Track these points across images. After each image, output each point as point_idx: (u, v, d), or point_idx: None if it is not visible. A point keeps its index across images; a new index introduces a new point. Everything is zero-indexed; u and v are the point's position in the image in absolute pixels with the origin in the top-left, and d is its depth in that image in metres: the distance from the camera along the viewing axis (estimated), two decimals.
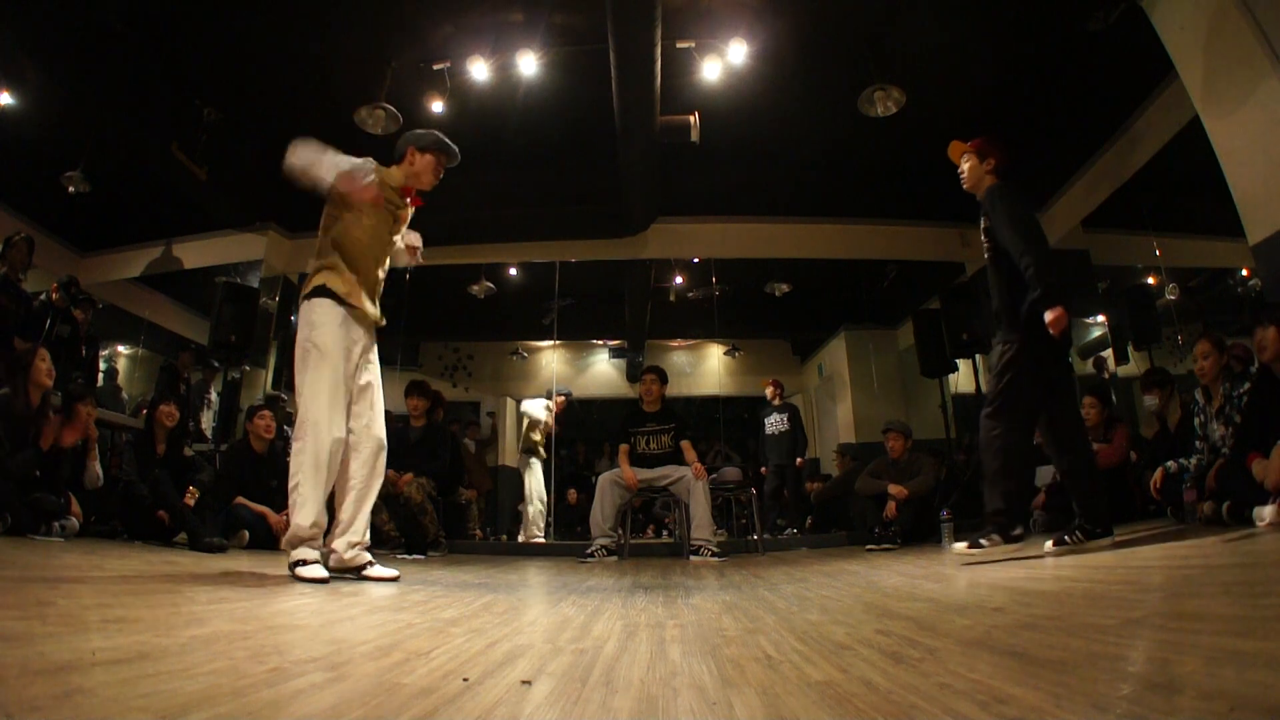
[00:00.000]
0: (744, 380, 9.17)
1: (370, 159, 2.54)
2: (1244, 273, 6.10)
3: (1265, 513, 2.56)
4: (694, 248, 7.31)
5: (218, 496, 4.19)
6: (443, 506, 4.94)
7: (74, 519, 3.53)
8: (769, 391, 6.99)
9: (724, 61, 4.81)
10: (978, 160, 2.92)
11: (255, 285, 6.42)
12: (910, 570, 2.67)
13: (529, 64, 4.80)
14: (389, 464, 4.46)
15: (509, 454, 8.40)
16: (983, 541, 2.66)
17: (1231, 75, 3.43)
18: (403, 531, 4.43)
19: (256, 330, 6.18)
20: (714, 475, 5.01)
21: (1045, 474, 4.34)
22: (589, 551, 4.40)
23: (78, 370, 5.15)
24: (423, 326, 8.33)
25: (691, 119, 5.12)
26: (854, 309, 8.39)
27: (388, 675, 0.92)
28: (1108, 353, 6.50)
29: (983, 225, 2.88)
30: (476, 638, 1.26)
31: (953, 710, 0.71)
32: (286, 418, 4.94)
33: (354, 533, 2.50)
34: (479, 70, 4.84)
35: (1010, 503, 2.69)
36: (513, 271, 7.82)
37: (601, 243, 6.96)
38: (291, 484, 2.33)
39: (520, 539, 6.69)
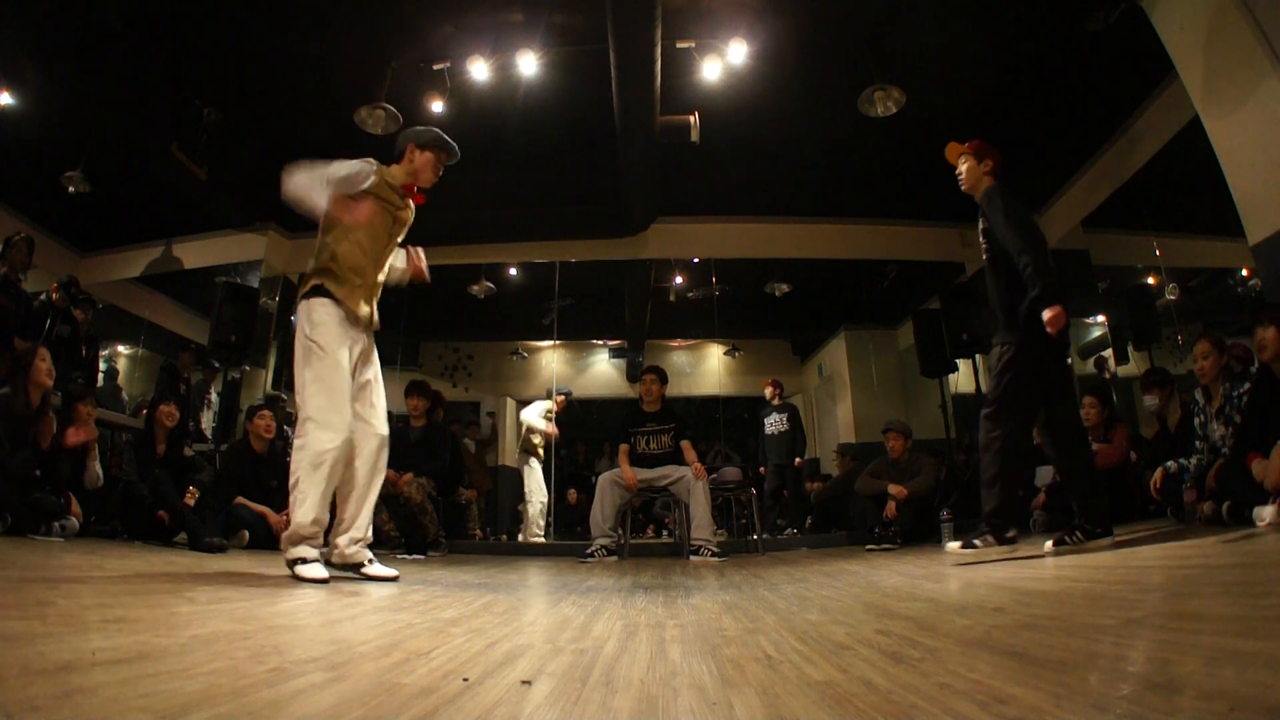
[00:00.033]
0: (744, 380, 9.17)
1: (370, 160, 2.54)
2: (1244, 273, 6.09)
3: (1265, 513, 2.56)
4: (694, 248, 7.31)
5: (218, 496, 4.19)
6: (443, 506, 4.94)
7: (74, 519, 3.53)
8: (768, 392, 6.99)
9: (724, 61, 4.81)
10: (975, 161, 2.93)
11: (255, 285, 6.42)
12: (910, 570, 2.67)
13: (529, 64, 4.80)
14: (389, 464, 4.49)
15: (509, 454, 8.41)
16: (976, 542, 2.67)
17: (1231, 75, 3.43)
18: (403, 531, 4.43)
19: (256, 330, 6.18)
20: (714, 475, 5.01)
21: (1045, 474, 4.34)
22: (589, 551, 4.40)
23: (78, 370, 5.15)
24: (423, 326, 8.34)
25: (691, 119, 5.12)
26: (854, 309, 8.39)
27: (388, 675, 0.92)
28: (1108, 352, 6.50)
29: (981, 226, 2.89)
30: (476, 638, 1.26)
31: (953, 710, 0.71)
32: (286, 418, 4.94)
33: (356, 529, 2.51)
34: (479, 70, 4.84)
35: (1006, 505, 2.69)
36: (513, 271, 7.82)
37: (601, 243, 6.96)
38: (292, 481, 2.32)
39: (520, 539, 6.69)
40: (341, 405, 2.38)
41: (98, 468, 3.96)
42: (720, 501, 5.39)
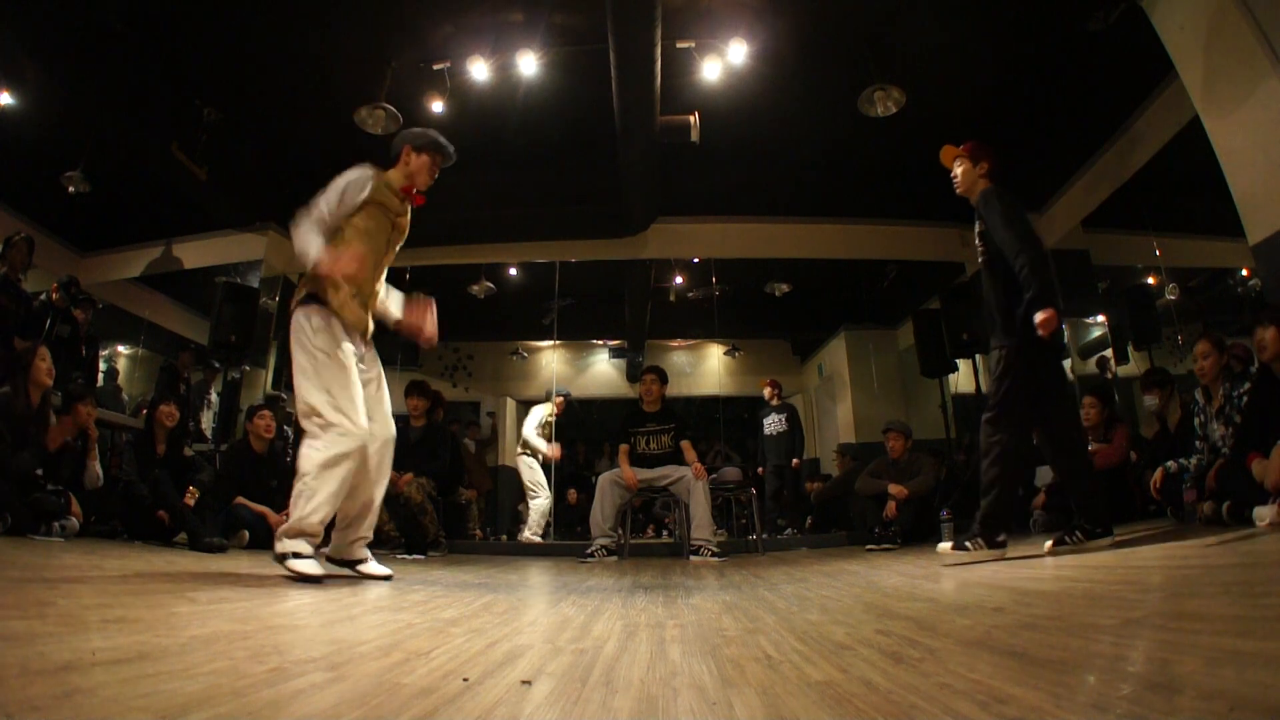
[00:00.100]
0: (744, 380, 9.17)
1: (367, 167, 2.52)
2: (1244, 273, 6.09)
3: (1265, 513, 2.57)
4: (694, 248, 7.31)
5: (218, 496, 4.19)
6: (443, 506, 4.94)
7: (74, 519, 3.53)
8: (767, 392, 6.99)
9: (724, 61, 4.81)
10: (970, 164, 2.93)
11: (255, 285, 6.42)
12: (910, 570, 2.67)
13: (529, 64, 4.80)
14: None
15: (509, 454, 8.40)
16: (968, 544, 2.68)
17: (1231, 75, 3.43)
18: (403, 531, 4.43)
19: (256, 330, 6.18)
20: (714, 475, 5.01)
21: (1045, 474, 4.34)
22: (589, 551, 4.40)
23: (78, 370, 5.15)
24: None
25: (691, 119, 5.12)
26: (854, 309, 8.39)
27: (388, 675, 0.92)
28: (1108, 352, 6.50)
29: (977, 229, 2.89)
30: (476, 638, 1.26)
31: (953, 710, 0.71)
32: (286, 418, 4.94)
33: (358, 528, 2.52)
34: (479, 70, 4.84)
35: (1001, 511, 2.70)
36: (513, 271, 7.82)
37: (601, 243, 6.96)
38: (300, 479, 2.28)
39: (522, 538, 6.68)
40: (356, 409, 2.36)
41: (98, 468, 3.96)
42: (720, 501, 5.40)
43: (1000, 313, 2.76)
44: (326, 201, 2.44)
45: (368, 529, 2.55)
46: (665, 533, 7.42)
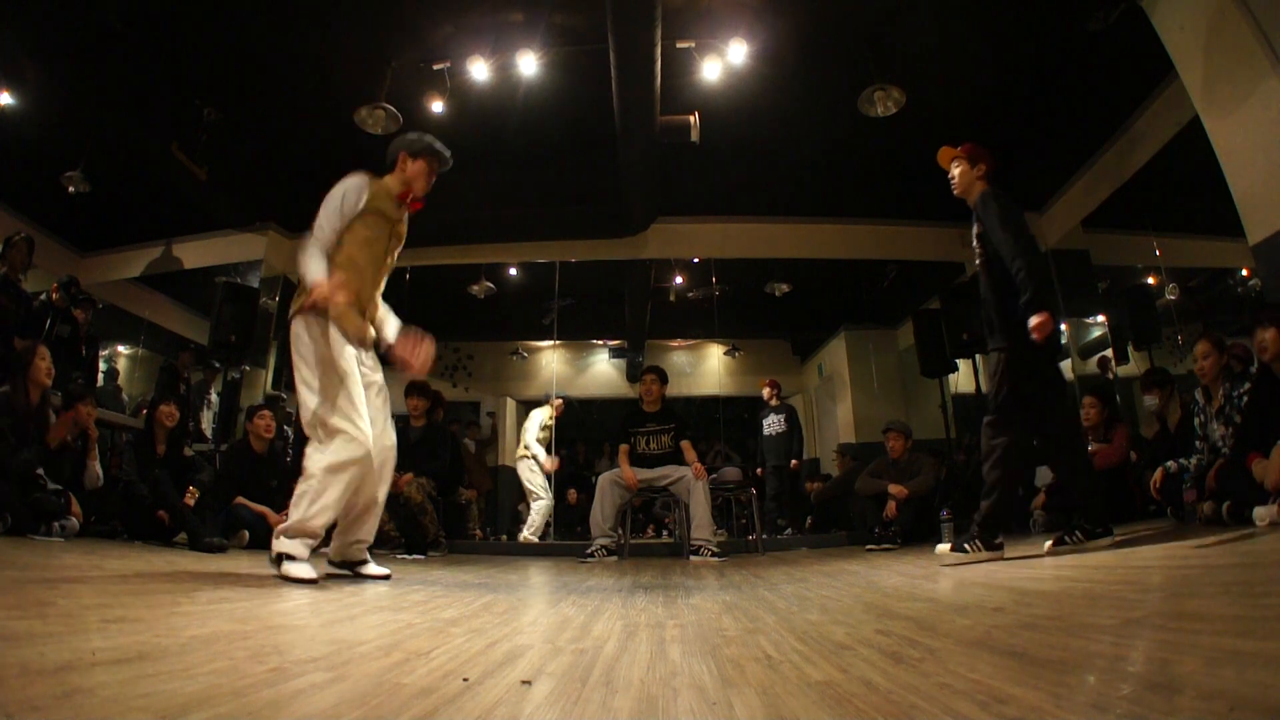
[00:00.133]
0: (744, 380, 9.17)
1: (361, 174, 2.51)
2: (1244, 273, 6.10)
3: (1265, 513, 2.57)
4: (694, 248, 7.31)
5: (218, 496, 4.19)
6: (443, 506, 4.94)
7: (74, 519, 3.53)
8: (766, 392, 6.98)
9: (724, 61, 4.81)
10: (968, 165, 2.93)
11: (255, 285, 6.42)
12: (910, 570, 2.67)
13: (529, 64, 4.80)
14: None
15: (509, 454, 8.40)
16: (966, 546, 2.68)
17: (1231, 75, 3.43)
18: (403, 531, 4.43)
19: (256, 330, 6.18)
20: (714, 475, 5.01)
21: (1045, 474, 4.34)
22: (589, 551, 4.40)
23: (78, 370, 5.14)
24: (423, 326, 8.22)
25: (691, 119, 5.12)
26: (854, 309, 8.38)
27: (388, 675, 0.92)
28: (1108, 352, 6.50)
29: (975, 231, 2.89)
30: (476, 638, 1.26)
31: (953, 710, 0.71)
32: (286, 418, 4.95)
33: (360, 532, 2.52)
34: (479, 70, 4.84)
35: (1001, 515, 2.71)
36: (513, 271, 7.82)
37: (601, 243, 6.96)
38: (304, 481, 2.28)
39: (521, 538, 6.68)
40: (361, 415, 2.35)
41: (98, 468, 3.96)
42: (720, 501, 5.40)
43: (998, 315, 2.77)
44: (327, 219, 2.43)
45: (368, 533, 2.55)
46: (665, 533, 7.42)
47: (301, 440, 2.49)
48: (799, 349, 9.66)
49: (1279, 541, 2.22)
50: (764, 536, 5.29)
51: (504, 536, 7.28)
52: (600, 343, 9.62)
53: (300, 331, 2.40)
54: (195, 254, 6.95)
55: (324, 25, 4.64)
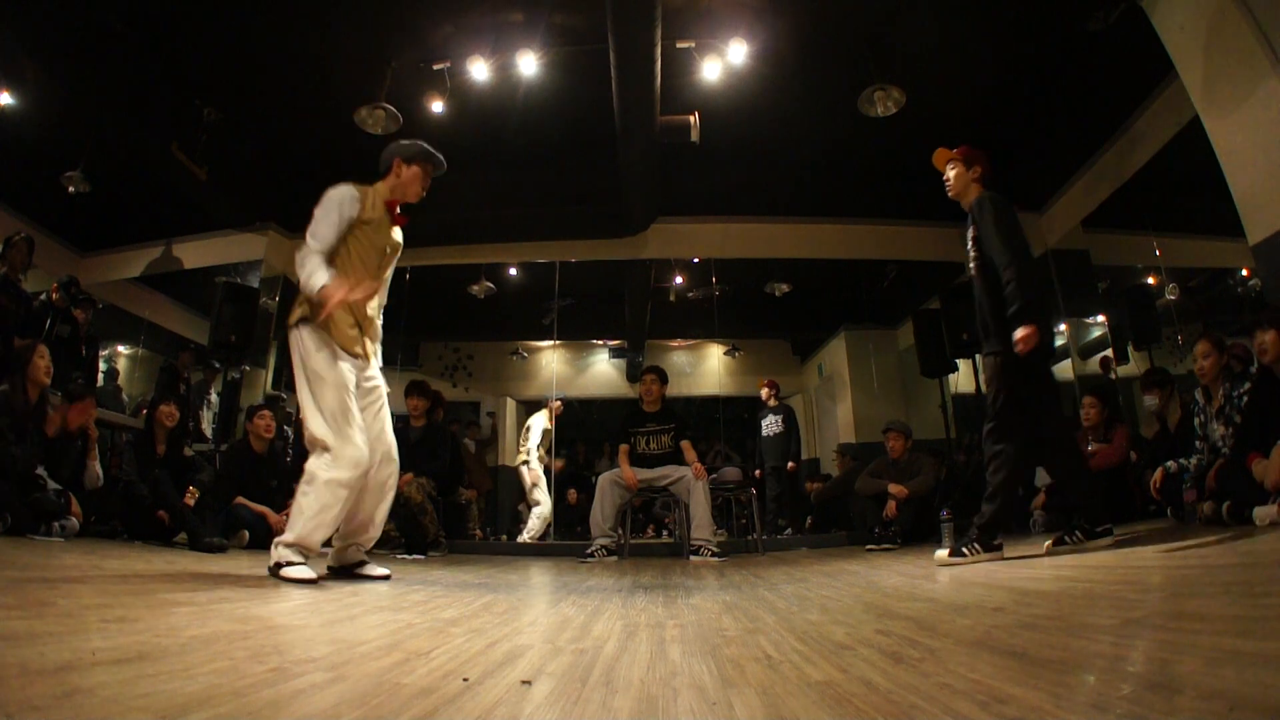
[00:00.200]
0: (744, 380, 9.17)
1: (349, 185, 2.49)
2: (1244, 273, 6.09)
3: (1265, 513, 2.57)
4: (694, 248, 7.31)
5: (218, 496, 4.19)
6: (443, 506, 4.94)
7: (74, 519, 3.53)
8: (764, 393, 6.98)
9: (724, 61, 4.81)
10: (963, 168, 2.93)
11: (255, 285, 6.42)
12: (910, 570, 2.67)
13: (529, 64, 4.80)
14: None
15: (509, 454, 8.41)
16: (964, 550, 2.68)
17: (1231, 75, 3.43)
18: (403, 531, 4.43)
19: (256, 330, 6.18)
20: (714, 475, 5.01)
21: (1045, 474, 4.34)
22: (589, 551, 4.40)
23: (78, 370, 5.14)
24: (423, 326, 8.33)
25: (691, 119, 5.12)
26: (854, 309, 8.38)
27: (388, 675, 0.92)
28: (1109, 352, 6.50)
29: (970, 235, 2.88)
30: (476, 638, 1.26)
31: (953, 710, 0.71)
32: (286, 418, 4.95)
33: (360, 538, 2.53)
34: (479, 70, 4.84)
35: (1000, 519, 2.71)
36: (513, 271, 7.82)
37: (601, 243, 6.96)
38: (304, 483, 2.29)
39: (521, 539, 6.69)
40: (356, 430, 2.34)
41: (98, 468, 3.97)
42: (720, 501, 5.39)
43: (993, 319, 2.76)
44: (324, 227, 2.42)
45: (368, 541, 2.56)
46: (665, 533, 7.42)
47: (302, 441, 2.49)
48: (799, 349, 9.66)
49: (1279, 541, 2.22)
50: (764, 536, 5.29)
51: (504, 536, 7.28)
52: (600, 343, 9.62)
53: (295, 343, 2.40)
54: (195, 254, 6.95)
55: (324, 25, 4.64)
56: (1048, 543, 2.71)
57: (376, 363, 2.61)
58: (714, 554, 4.26)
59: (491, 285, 7.78)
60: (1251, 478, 2.72)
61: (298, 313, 2.43)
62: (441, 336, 9.13)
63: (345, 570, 2.54)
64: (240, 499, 4.18)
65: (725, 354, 9.37)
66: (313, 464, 2.31)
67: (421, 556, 4.26)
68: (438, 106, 5.06)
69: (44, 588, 1.64)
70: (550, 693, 0.85)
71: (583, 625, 1.46)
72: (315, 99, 5.26)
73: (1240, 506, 2.74)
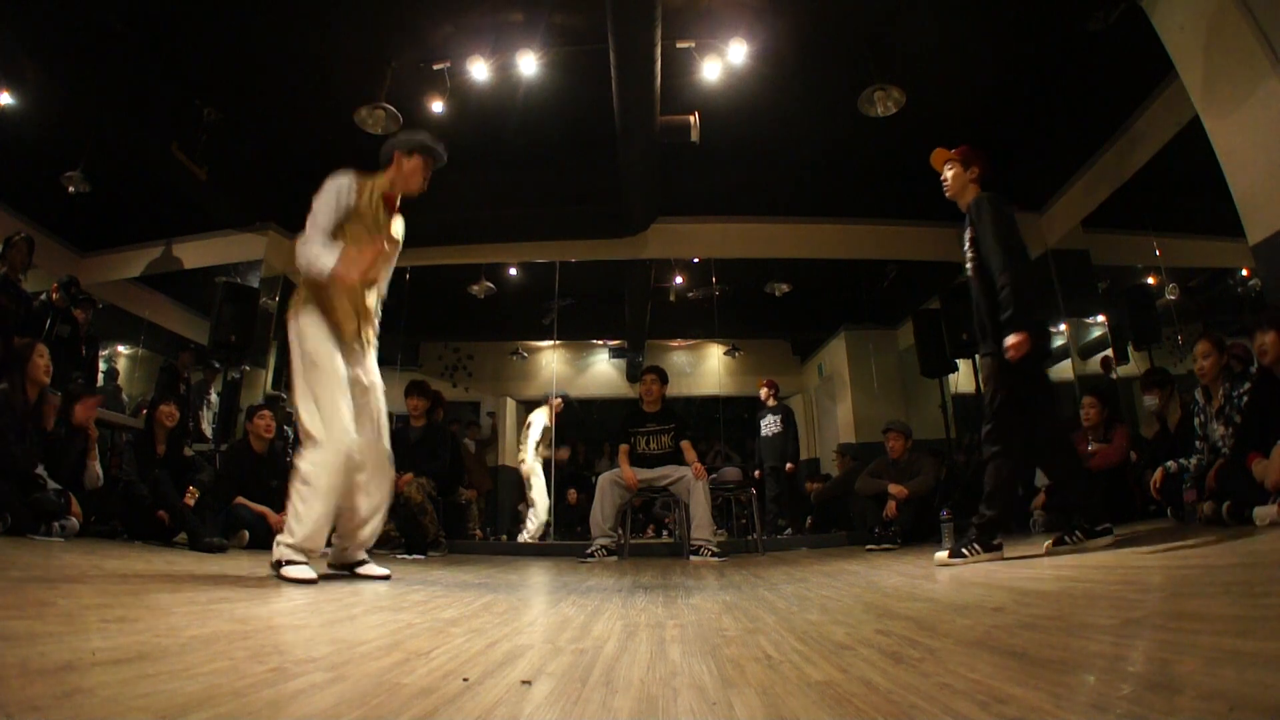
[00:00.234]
0: (744, 380, 9.17)
1: (348, 173, 2.50)
2: (1244, 273, 6.09)
3: (1265, 513, 2.57)
4: (694, 248, 7.31)
5: (218, 496, 4.19)
6: (443, 506, 4.94)
7: (74, 519, 3.53)
8: (763, 393, 6.98)
9: (724, 61, 4.81)
10: (961, 168, 2.92)
11: (255, 285, 6.42)
12: (910, 570, 2.67)
13: (529, 64, 4.80)
14: None
15: (509, 454, 8.41)
16: (964, 551, 2.68)
17: (1231, 75, 3.43)
18: (403, 531, 4.43)
19: (256, 330, 6.18)
20: (714, 475, 5.01)
21: (1045, 474, 4.34)
22: (589, 551, 4.40)
23: (78, 370, 5.15)
24: (423, 326, 8.34)
25: (691, 119, 5.12)
26: (854, 309, 8.38)
27: (388, 675, 0.92)
28: (1110, 352, 6.50)
29: (967, 236, 2.87)
30: (476, 638, 1.26)
31: (953, 710, 0.71)
32: (286, 418, 4.94)
33: (359, 536, 2.52)
34: (479, 70, 4.84)
35: (999, 520, 2.71)
36: (513, 271, 7.82)
37: (601, 243, 6.96)
38: (295, 481, 2.30)
39: (521, 539, 6.69)
40: (340, 418, 2.34)
41: (98, 468, 3.97)
42: (720, 501, 5.39)
43: (989, 320, 2.77)
44: (324, 215, 2.42)
45: (366, 541, 2.55)
46: (665, 533, 7.42)
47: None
48: (799, 349, 9.67)
49: (1279, 541, 2.22)
50: (764, 536, 5.29)
51: (504, 536, 7.28)
52: (600, 343, 9.62)
53: (294, 331, 2.41)
54: (195, 254, 6.95)
55: (324, 25, 4.64)
56: (1048, 543, 2.71)
57: (373, 355, 2.61)
58: (714, 554, 4.26)
59: (491, 285, 7.78)
60: (1251, 478, 2.71)
61: (297, 299, 2.44)
62: (441, 336, 9.13)
63: (345, 569, 2.55)
64: (240, 499, 4.18)
65: (725, 354, 9.37)
66: (301, 461, 2.31)
67: (421, 556, 4.26)
68: (438, 106, 5.06)
69: (44, 588, 1.64)
70: (550, 693, 0.85)
71: (583, 625, 1.46)
72: (315, 99, 5.26)
73: (1240, 506, 2.73)
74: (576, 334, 9.23)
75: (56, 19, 4.27)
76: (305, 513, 2.26)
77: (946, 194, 2.99)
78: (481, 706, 0.78)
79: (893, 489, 4.70)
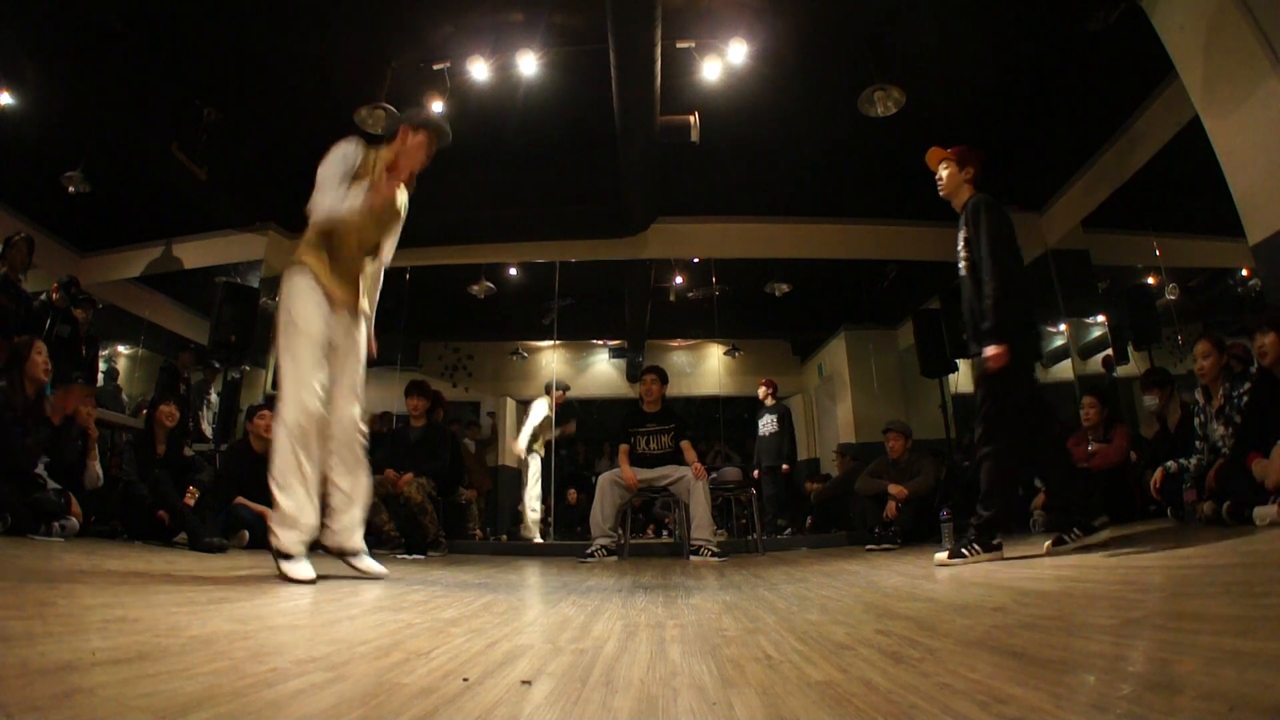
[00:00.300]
0: (744, 380, 9.17)
1: (353, 139, 2.52)
2: (1244, 273, 6.10)
3: (1265, 513, 2.57)
4: (694, 248, 7.31)
5: (218, 496, 4.19)
6: (443, 506, 4.94)
7: (74, 519, 3.53)
8: (761, 392, 6.98)
9: (724, 61, 4.81)
10: (956, 168, 2.92)
11: (255, 285, 6.42)
12: (910, 570, 2.67)
13: (529, 64, 4.80)
14: (389, 464, 4.49)
15: (509, 454, 8.41)
16: (964, 551, 2.68)
17: (1231, 75, 3.43)
18: (403, 531, 4.43)
19: (256, 330, 6.18)
20: (714, 475, 5.01)
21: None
22: (589, 551, 4.40)
23: (78, 370, 5.14)
24: (423, 326, 8.34)
25: (691, 119, 5.12)
26: (854, 309, 8.39)
27: (388, 675, 0.92)
28: (1109, 351, 6.51)
29: (962, 236, 2.87)
30: (476, 638, 1.26)
31: (953, 710, 0.71)
32: None
33: (342, 516, 2.50)
34: (479, 70, 4.84)
35: (998, 520, 2.71)
36: (513, 271, 7.82)
37: (601, 243, 6.96)
38: (273, 466, 2.31)
39: (524, 533, 6.69)
40: (307, 380, 2.35)
41: (98, 468, 3.97)
42: (720, 501, 5.39)
43: (982, 320, 2.77)
44: (334, 172, 2.43)
45: (357, 516, 2.53)
46: (665, 533, 7.42)
47: None
48: (799, 349, 9.67)
49: (1279, 541, 2.22)
50: (764, 536, 5.29)
51: (504, 536, 7.28)
52: (600, 343, 9.62)
53: (286, 287, 2.45)
54: (195, 254, 6.95)
55: (324, 25, 4.64)
56: (1048, 543, 2.71)
57: (364, 328, 2.62)
58: (714, 554, 4.26)
59: (491, 285, 7.78)
60: (1251, 478, 2.72)
61: (294, 257, 2.47)
62: (441, 336, 9.13)
63: (340, 555, 2.53)
64: (240, 499, 4.17)
65: (725, 354, 9.37)
66: (275, 423, 2.33)
67: (421, 556, 4.26)
68: (438, 106, 5.06)
69: (44, 588, 1.64)
70: (550, 693, 0.85)
71: (583, 625, 1.46)
72: (315, 99, 5.26)
73: (1240, 506, 2.73)
74: (576, 334, 9.23)
75: (56, 19, 4.27)
76: (282, 477, 2.27)
77: (941, 193, 2.99)
78: (481, 706, 0.78)
79: (893, 489, 4.70)
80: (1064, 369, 6.48)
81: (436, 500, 4.64)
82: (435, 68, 4.86)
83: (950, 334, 6.14)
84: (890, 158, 6.03)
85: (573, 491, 8.20)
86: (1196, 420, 3.35)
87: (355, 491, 2.53)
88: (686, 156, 5.69)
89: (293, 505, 2.28)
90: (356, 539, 2.55)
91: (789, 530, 6.65)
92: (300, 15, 4.53)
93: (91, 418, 3.97)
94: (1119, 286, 6.64)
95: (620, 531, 4.72)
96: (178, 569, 2.43)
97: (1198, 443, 3.32)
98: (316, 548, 2.44)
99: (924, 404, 7.39)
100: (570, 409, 7.34)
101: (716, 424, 8.57)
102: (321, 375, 2.40)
